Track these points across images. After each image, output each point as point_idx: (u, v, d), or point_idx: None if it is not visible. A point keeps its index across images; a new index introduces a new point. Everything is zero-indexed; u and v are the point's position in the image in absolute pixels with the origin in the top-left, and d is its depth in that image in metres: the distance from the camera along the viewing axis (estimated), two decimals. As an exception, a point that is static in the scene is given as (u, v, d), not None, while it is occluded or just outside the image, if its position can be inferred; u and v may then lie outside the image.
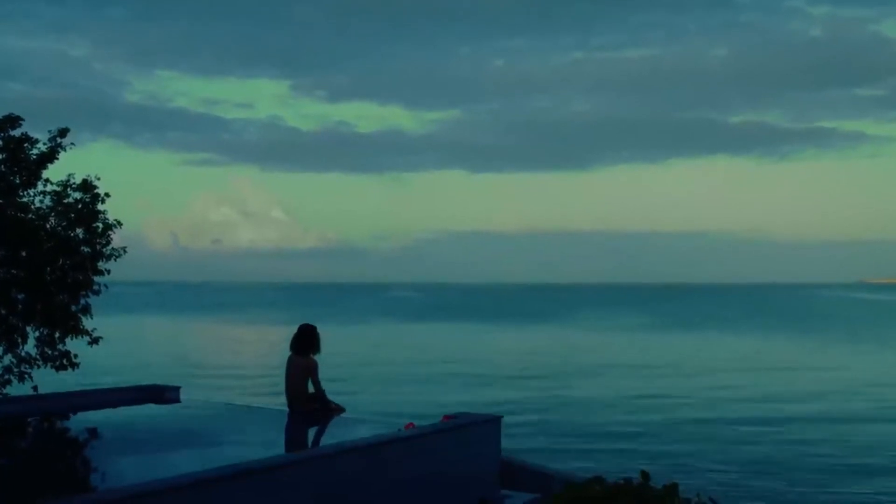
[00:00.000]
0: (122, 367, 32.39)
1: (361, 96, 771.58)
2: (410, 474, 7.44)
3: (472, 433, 8.36)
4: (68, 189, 12.18)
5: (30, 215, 11.85)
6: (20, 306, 11.92)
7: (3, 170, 11.84)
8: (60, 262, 12.01)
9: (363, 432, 8.02)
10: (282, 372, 9.78)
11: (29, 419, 9.55)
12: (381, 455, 7.25)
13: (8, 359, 12.06)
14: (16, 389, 11.81)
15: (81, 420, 9.69)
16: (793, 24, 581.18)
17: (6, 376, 12.03)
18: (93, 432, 9.14)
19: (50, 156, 12.11)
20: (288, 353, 9.75)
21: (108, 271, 12.45)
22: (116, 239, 12.49)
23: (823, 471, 17.44)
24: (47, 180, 12.15)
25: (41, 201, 12.12)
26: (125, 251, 12.57)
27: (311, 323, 9.90)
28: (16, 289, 11.82)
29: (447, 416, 8.61)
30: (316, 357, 9.57)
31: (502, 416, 8.79)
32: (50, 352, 12.20)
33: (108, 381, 16.95)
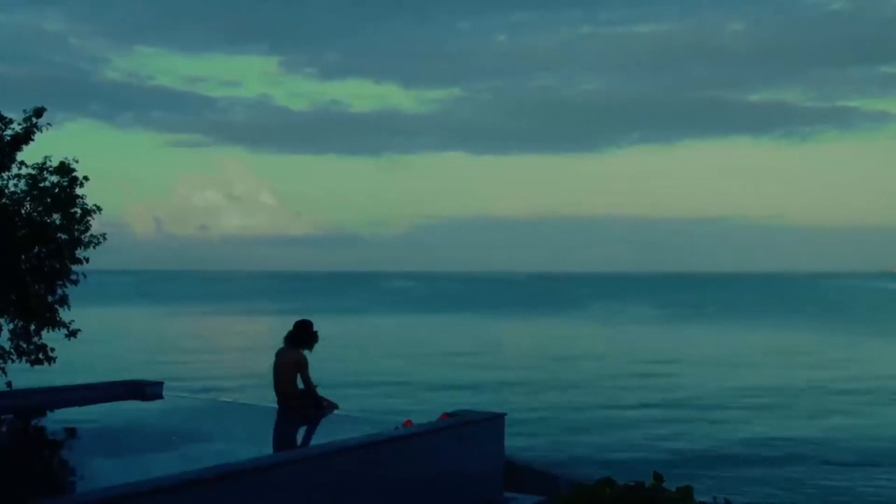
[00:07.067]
0: (101, 361, 32.48)
1: (355, 74, 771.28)
2: (407, 475, 7.45)
3: (473, 432, 8.37)
4: (44, 172, 12.15)
5: (3, 200, 11.82)
6: (-7, 297, 11.91)
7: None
8: (36, 249, 11.99)
9: (357, 431, 8.03)
10: (271, 367, 9.80)
11: (3, 417, 9.56)
12: (377, 455, 7.26)
13: (-20, 353, 12.06)
14: (-11, 385, 11.81)
15: (58, 418, 9.72)
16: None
17: (-22, 371, 12.04)
18: (70, 431, 9.16)
19: (25, 137, 12.07)
20: (277, 346, 9.77)
21: (87, 259, 12.43)
22: (95, 225, 12.48)
23: (844, 473, 17.47)
24: (22, 163, 12.12)
25: (15, 185, 12.08)
26: (105, 238, 12.55)
27: (307, 319, 9.94)
28: (-12, 279, 11.81)
29: (446, 414, 8.62)
30: (306, 353, 9.59)
31: (505, 414, 8.80)
32: (25, 345, 12.20)
33: (86, 377, 16.94)
